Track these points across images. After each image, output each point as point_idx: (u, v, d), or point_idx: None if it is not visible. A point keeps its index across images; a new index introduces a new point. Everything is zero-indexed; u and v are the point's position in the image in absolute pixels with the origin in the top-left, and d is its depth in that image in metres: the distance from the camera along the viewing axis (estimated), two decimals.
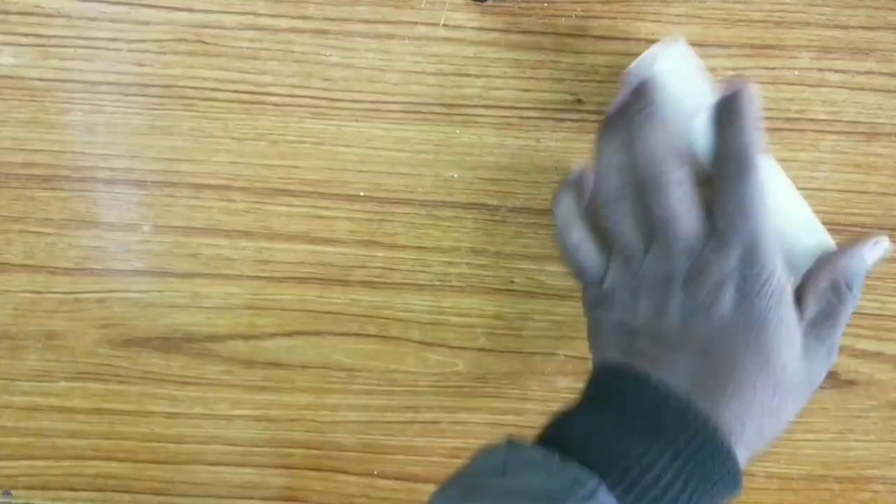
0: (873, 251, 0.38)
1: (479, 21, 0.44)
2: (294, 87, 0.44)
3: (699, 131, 0.38)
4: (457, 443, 0.46)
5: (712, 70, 0.43)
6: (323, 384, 0.49)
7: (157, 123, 0.45)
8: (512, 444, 0.37)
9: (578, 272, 0.41)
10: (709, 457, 0.35)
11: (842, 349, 0.44)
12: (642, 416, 0.36)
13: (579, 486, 0.35)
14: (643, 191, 0.38)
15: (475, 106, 0.44)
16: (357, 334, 0.48)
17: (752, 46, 0.43)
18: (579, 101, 0.44)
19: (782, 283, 0.37)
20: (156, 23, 0.44)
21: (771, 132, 0.44)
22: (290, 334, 0.44)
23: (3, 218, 0.46)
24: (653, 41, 0.43)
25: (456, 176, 0.45)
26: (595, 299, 0.41)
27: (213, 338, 0.46)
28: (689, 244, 0.38)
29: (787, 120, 0.44)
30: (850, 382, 0.45)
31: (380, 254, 0.44)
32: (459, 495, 0.36)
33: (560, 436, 0.37)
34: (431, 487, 0.47)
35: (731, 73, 0.43)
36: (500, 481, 0.35)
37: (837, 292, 0.38)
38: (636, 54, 0.43)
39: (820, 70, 0.43)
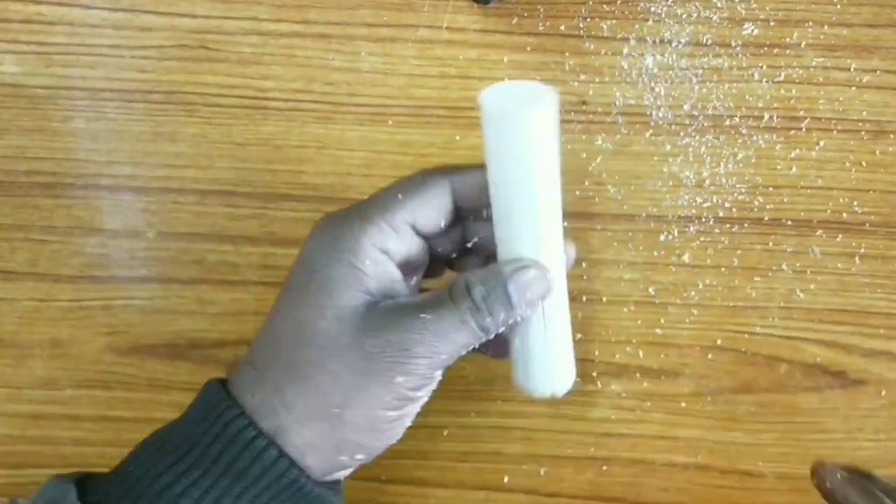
0: None
1: (482, 23, 0.43)
2: (297, 91, 0.44)
3: None
4: (465, 447, 0.46)
5: (718, 70, 0.43)
6: None
7: (161, 130, 0.45)
8: None
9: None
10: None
11: (850, 348, 0.45)
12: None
13: None
14: None
15: (479, 108, 0.44)
16: None
17: (757, 45, 0.43)
18: (583, 103, 0.44)
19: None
20: (158, 29, 0.44)
21: (777, 131, 0.44)
22: None
23: (7, 226, 0.46)
24: (654, 41, 0.43)
25: None
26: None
27: (219, 344, 0.46)
28: None
29: (793, 119, 0.43)
30: (860, 381, 0.45)
31: None
32: None
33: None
34: (439, 492, 0.47)
35: (736, 72, 0.43)
36: None
37: None
38: (638, 55, 0.43)
39: (825, 68, 0.43)
